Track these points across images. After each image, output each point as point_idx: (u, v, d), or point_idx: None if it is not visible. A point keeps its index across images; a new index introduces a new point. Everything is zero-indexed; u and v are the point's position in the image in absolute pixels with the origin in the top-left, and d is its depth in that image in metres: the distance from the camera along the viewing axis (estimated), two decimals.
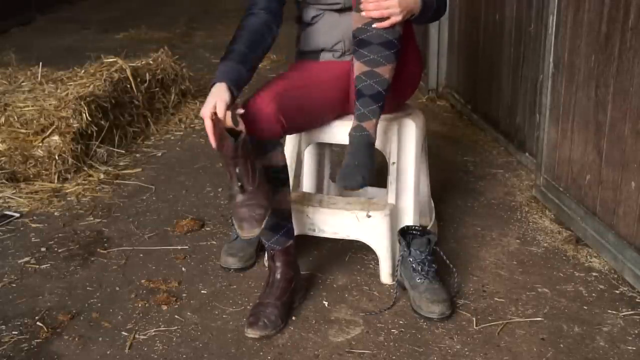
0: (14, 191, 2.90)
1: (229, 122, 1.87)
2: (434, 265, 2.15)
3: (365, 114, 2.01)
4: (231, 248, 2.37)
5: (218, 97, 1.88)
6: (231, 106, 1.89)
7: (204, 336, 2.02)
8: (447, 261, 2.19)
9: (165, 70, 3.95)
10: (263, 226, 1.91)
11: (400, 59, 2.02)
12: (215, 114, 1.86)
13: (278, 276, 2.11)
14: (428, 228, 2.44)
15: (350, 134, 2.02)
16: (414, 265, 2.14)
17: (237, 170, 1.88)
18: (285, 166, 2.10)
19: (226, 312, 2.14)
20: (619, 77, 2.19)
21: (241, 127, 1.88)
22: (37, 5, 6.96)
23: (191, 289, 2.26)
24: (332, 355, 1.93)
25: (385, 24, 1.95)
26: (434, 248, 2.17)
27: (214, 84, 1.93)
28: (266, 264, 2.38)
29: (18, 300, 2.20)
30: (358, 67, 2.01)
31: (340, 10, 2.17)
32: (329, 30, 2.21)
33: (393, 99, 2.14)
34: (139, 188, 3.04)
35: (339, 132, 2.27)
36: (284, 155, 2.08)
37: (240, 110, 1.92)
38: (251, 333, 1.99)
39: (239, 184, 1.89)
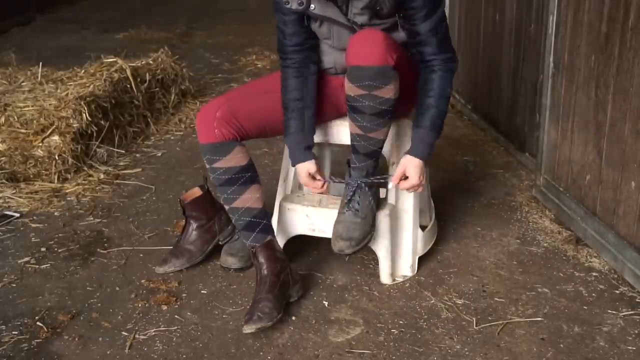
0: (14, 191, 2.90)
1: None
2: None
3: (360, 168, 2.10)
4: (231, 248, 2.37)
5: (303, 178, 2.16)
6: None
7: (204, 336, 2.02)
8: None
9: (165, 70, 3.95)
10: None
11: (405, 84, 2.06)
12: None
13: (265, 272, 2.12)
14: (428, 228, 2.44)
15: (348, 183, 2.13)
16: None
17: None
18: (249, 165, 2.15)
19: (226, 312, 2.14)
20: (619, 77, 2.19)
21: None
22: (37, 5, 6.96)
23: (191, 289, 2.26)
24: (332, 355, 1.93)
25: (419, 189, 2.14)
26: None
27: (294, 164, 2.17)
28: None
29: (18, 300, 2.20)
30: (352, 127, 2.07)
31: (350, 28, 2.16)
32: (322, 56, 2.20)
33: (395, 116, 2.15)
34: (139, 188, 3.04)
35: (339, 132, 2.28)
36: (245, 154, 2.15)
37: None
38: (247, 329, 1.99)
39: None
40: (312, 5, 2.05)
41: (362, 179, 2.11)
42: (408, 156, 2.08)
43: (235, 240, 2.38)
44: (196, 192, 2.44)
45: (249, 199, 2.15)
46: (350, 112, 2.04)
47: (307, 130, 2.16)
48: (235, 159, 2.12)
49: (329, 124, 2.29)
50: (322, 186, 2.17)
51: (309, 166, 2.15)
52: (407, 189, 2.13)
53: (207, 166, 2.14)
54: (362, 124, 2.03)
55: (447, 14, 4.01)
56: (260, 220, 2.16)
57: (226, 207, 2.18)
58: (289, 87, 2.16)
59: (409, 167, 2.08)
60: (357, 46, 1.97)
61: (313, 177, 2.16)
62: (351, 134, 2.09)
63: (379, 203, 2.22)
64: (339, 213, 2.15)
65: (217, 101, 2.14)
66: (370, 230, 2.14)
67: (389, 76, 1.97)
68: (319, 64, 2.19)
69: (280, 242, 2.31)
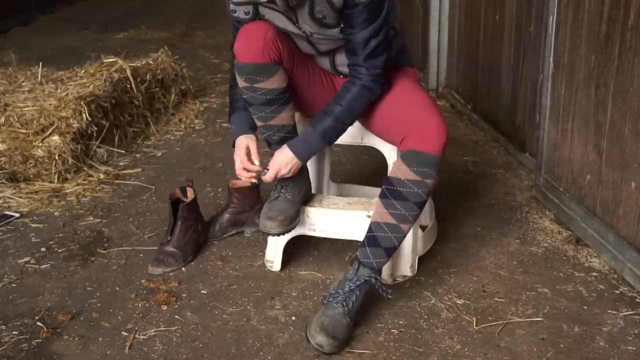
0: (14, 191, 2.90)
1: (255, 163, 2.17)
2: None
3: (373, 265, 2.03)
4: (270, 210, 2.21)
5: (248, 140, 2.16)
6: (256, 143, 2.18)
7: (204, 336, 2.02)
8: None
9: (165, 70, 3.94)
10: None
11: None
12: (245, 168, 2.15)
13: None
14: (428, 228, 2.44)
15: (351, 274, 2.04)
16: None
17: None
18: (287, 87, 2.10)
19: (226, 312, 2.14)
20: (619, 77, 2.19)
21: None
22: (37, 5, 6.95)
23: (191, 289, 2.26)
24: (333, 355, 1.93)
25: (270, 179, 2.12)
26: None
27: (236, 136, 2.18)
28: (266, 264, 2.39)
29: (18, 300, 2.20)
30: (382, 216, 2.02)
31: (306, 38, 2.14)
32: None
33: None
34: (139, 188, 3.04)
35: None
36: (286, 76, 2.09)
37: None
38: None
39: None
40: (262, 14, 2.05)
41: (370, 276, 2.01)
42: (284, 146, 2.09)
43: (275, 200, 2.24)
44: (191, 194, 2.45)
45: (286, 117, 2.13)
46: (387, 198, 2.00)
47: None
48: (278, 81, 2.06)
49: None
50: (255, 174, 2.15)
51: (249, 140, 2.16)
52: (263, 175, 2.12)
53: (246, 84, 2.06)
54: (400, 212, 1.99)
55: (447, 14, 4.05)
56: (293, 135, 2.16)
57: (259, 124, 2.15)
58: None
59: (278, 153, 2.09)
60: (422, 131, 1.96)
61: (249, 158, 2.14)
62: (376, 225, 2.03)
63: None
64: (327, 305, 2.00)
65: (265, 23, 2.05)
66: (351, 335, 1.99)
67: (441, 168, 1.99)
68: None
69: (281, 242, 2.32)
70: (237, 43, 2.04)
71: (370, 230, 2.04)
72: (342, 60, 2.13)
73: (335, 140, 2.10)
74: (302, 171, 2.21)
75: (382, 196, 2.02)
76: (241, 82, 2.07)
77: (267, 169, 2.11)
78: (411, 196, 1.98)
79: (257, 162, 2.14)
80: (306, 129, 2.08)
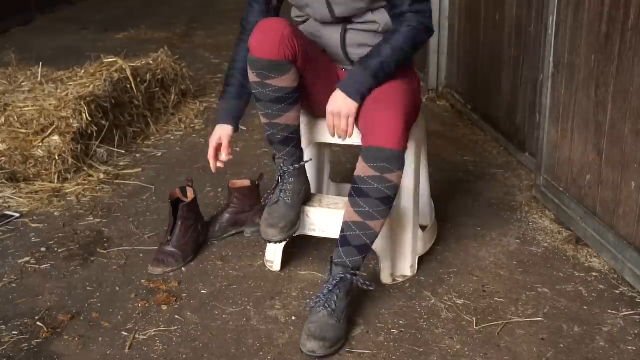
0: (14, 191, 2.90)
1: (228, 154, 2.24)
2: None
3: (346, 264, 2.03)
4: (271, 217, 2.20)
5: (223, 133, 2.23)
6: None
7: (204, 336, 2.02)
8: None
9: (165, 70, 3.94)
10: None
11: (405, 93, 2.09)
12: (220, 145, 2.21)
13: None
14: (428, 228, 2.44)
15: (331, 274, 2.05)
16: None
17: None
18: (297, 87, 2.09)
19: (226, 312, 2.14)
20: (619, 77, 2.19)
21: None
22: (37, 5, 6.94)
23: (191, 289, 2.26)
24: (333, 355, 1.93)
25: (350, 131, 2.05)
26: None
27: (218, 122, 2.25)
28: (266, 264, 2.39)
29: (18, 300, 2.20)
30: (350, 215, 2.03)
31: (323, 23, 2.14)
32: (312, 39, 2.19)
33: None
34: (139, 188, 3.04)
35: None
36: (298, 76, 2.08)
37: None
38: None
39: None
40: None
41: (344, 273, 2.02)
42: (336, 90, 2.04)
43: (275, 204, 2.23)
44: (191, 194, 2.46)
45: (292, 117, 2.12)
46: (352, 197, 2.01)
47: (243, 103, 2.25)
48: (289, 79, 2.05)
49: None
50: (215, 165, 2.21)
51: (227, 131, 2.22)
52: (334, 132, 2.07)
53: (256, 80, 2.04)
54: (364, 209, 1.99)
55: (446, 14, 4.06)
56: (295, 135, 2.15)
57: (264, 120, 2.13)
58: (239, 58, 2.22)
59: (333, 97, 2.04)
60: (376, 127, 1.96)
61: (219, 147, 2.21)
62: (345, 224, 2.04)
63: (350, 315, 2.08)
64: (312, 311, 2.00)
65: (282, 20, 2.04)
66: (344, 335, 1.98)
67: (403, 161, 1.97)
68: None
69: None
70: (253, 37, 2.02)
71: (342, 230, 2.05)
72: (352, 40, 2.13)
73: (383, 81, 2.05)
74: (301, 173, 2.21)
75: (349, 195, 2.03)
76: (252, 77, 2.06)
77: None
78: (372, 192, 1.97)
79: (224, 157, 2.20)
80: (353, 70, 2.05)
